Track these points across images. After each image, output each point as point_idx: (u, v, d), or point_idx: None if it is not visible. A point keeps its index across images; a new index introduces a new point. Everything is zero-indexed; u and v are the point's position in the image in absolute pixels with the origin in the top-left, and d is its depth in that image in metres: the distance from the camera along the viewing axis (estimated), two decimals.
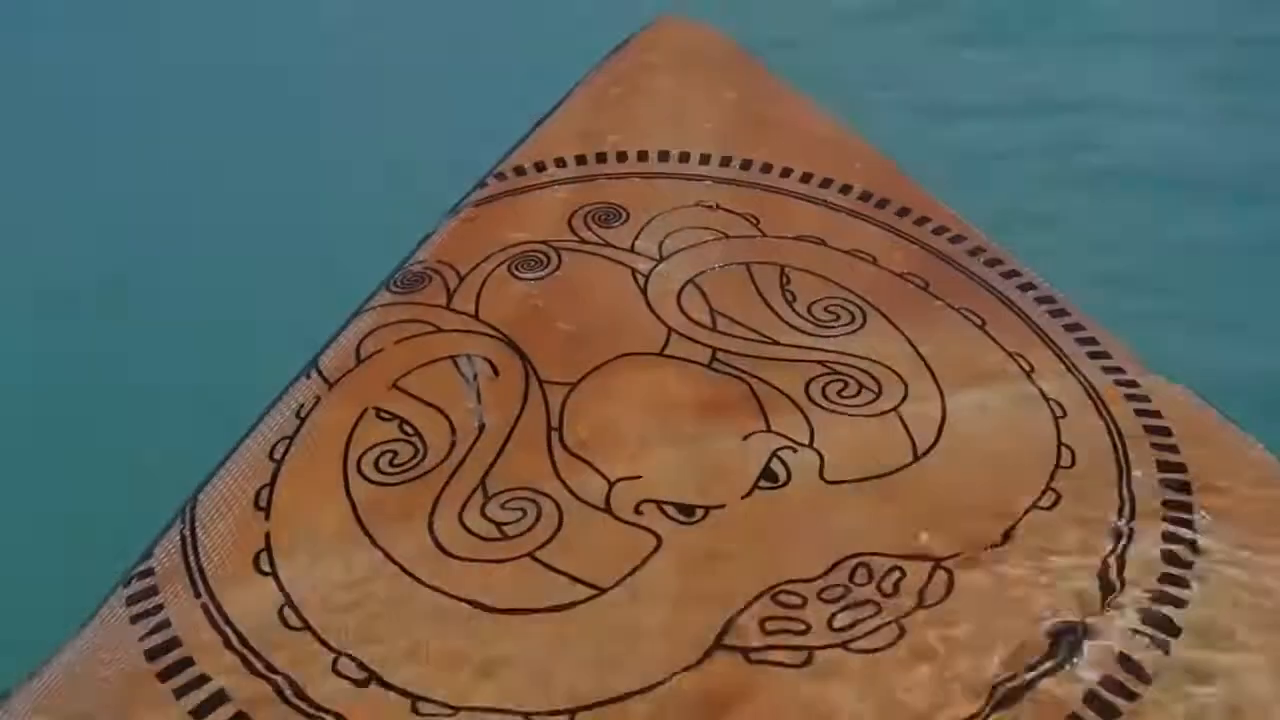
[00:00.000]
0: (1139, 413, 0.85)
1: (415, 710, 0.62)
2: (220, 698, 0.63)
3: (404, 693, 0.63)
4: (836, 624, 0.67)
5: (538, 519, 0.74)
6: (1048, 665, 0.65)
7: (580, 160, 1.07)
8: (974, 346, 0.91)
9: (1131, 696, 0.63)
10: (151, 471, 0.87)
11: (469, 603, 0.69)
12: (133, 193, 2.17)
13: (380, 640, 0.66)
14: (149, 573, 0.71)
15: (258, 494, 0.76)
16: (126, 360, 1.67)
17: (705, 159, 1.07)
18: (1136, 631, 0.67)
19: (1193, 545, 0.72)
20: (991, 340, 0.91)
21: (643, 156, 1.07)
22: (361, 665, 0.65)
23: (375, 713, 0.62)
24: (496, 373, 0.86)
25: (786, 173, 1.06)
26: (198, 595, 0.69)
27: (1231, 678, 0.64)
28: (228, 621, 0.67)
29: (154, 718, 0.62)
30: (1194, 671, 0.64)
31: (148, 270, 1.93)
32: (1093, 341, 0.92)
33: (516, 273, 0.96)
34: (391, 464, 0.79)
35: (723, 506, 0.75)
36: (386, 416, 0.82)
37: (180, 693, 0.63)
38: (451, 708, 0.62)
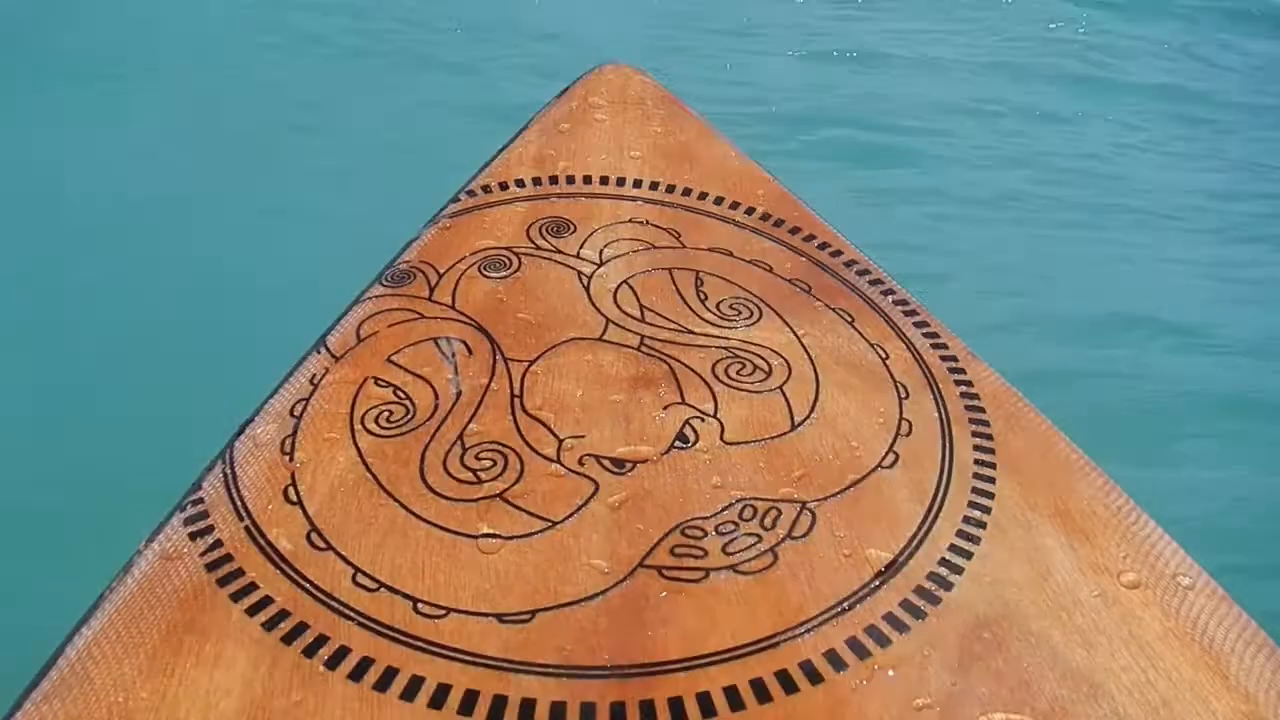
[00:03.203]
0: (963, 395, 0.99)
1: (416, 610, 0.74)
2: (268, 600, 0.73)
3: (407, 597, 0.74)
4: (728, 550, 0.81)
5: (505, 467, 0.85)
6: (875, 584, 0.79)
7: (536, 181, 1.16)
8: (844, 338, 1.03)
9: (921, 614, 0.77)
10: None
11: (454, 532, 0.80)
12: None
13: (387, 559, 0.77)
14: (200, 501, 0.80)
15: (283, 442, 0.86)
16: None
17: (637, 183, 1.18)
18: (938, 564, 0.81)
19: (987, 506, 0.86)
20: (858, 333, 1.04)
21: (587, 180, 1.17)
22: (373, 578, 0.76)
23: (386, 611, 0.73)
24: (470, 351, 0.97)
25: (703, 196, 1.17)
26: (241, 519, 0.79)
27: (997, 591, 0.79)
28: (268, 541, 0.77)
29: (217, 615, 0.72)
30: (977, 590, 0.79)
31: None
32: (935, 335, 1.05)
33: (485, 272, 1.06)
34: (389, 420, 0.89)
35: (646, 461, 0.88)
36: (383, 384, 0.92)
37: (236, 596, 0.73)
38: (444, 608, 0.74)
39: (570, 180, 1.17)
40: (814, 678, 0.71)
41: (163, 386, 1.64)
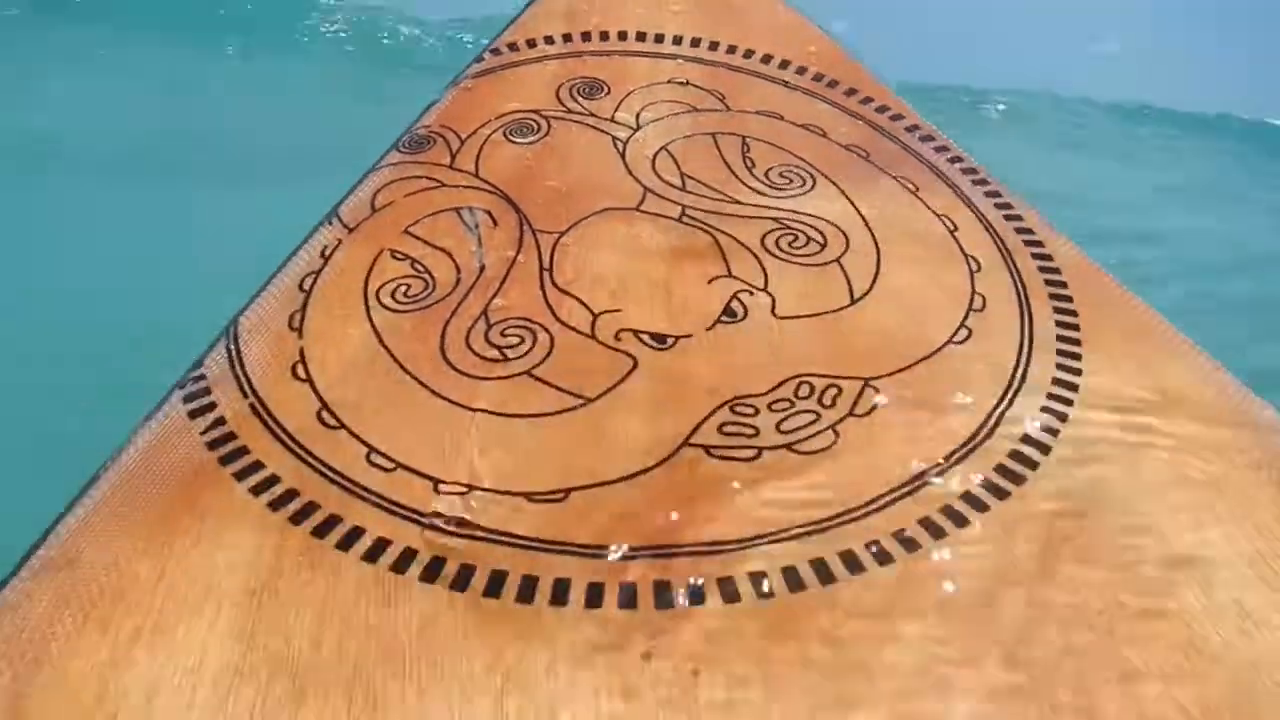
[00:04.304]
0: (1042, 269, 0.89)
1: (436, 490, 0.67)
2: (274, 479, 0.67)
3: (427, 477, 0.68)
4: (783, 429, 0.73)
5: (533, 344, 0.78)
6: (950, 462, 0.71)
7: (566, 38, 1.07)
8: (907, 208, 0.94)
9: (1003, 494, 0.69)
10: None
11: (478, 410, 0.73)
12: None
13: (404, 438, 0.70)
14: (202, 378, 0.74)
15: (290, 317, 0.79)
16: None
17: (677, 40, 1.08)
18: (1020, 441, 0.73)
19: (1073, 383, 0.77)
20: (922, 203, 0.95)
21: (622, 36, 1.07)
22: (389, 457, 0.69)
23: (405, 492, 0.67)
24: (495, 222, 0.89)
25: (749, 54, 1.07)
26: (246, 396, 0.72)
27: (1089, 470, 0.70)
28: (274, 419, 0.71)
29: (218, 494, 0.65)
30: (1065, 468, 0.71)
31: None
32: (1008, 207, 0.96)
33: (511, 137, 0.97)
34: (406, 295, 0.81)
35: (690, 336, 0.80)
36: (400, 257, 0.85)
37: (240, 475, 0.67)
38: (466, 486, 0.67)
39: (604, 37, 1.07)
40: (883, 558, 0.64)
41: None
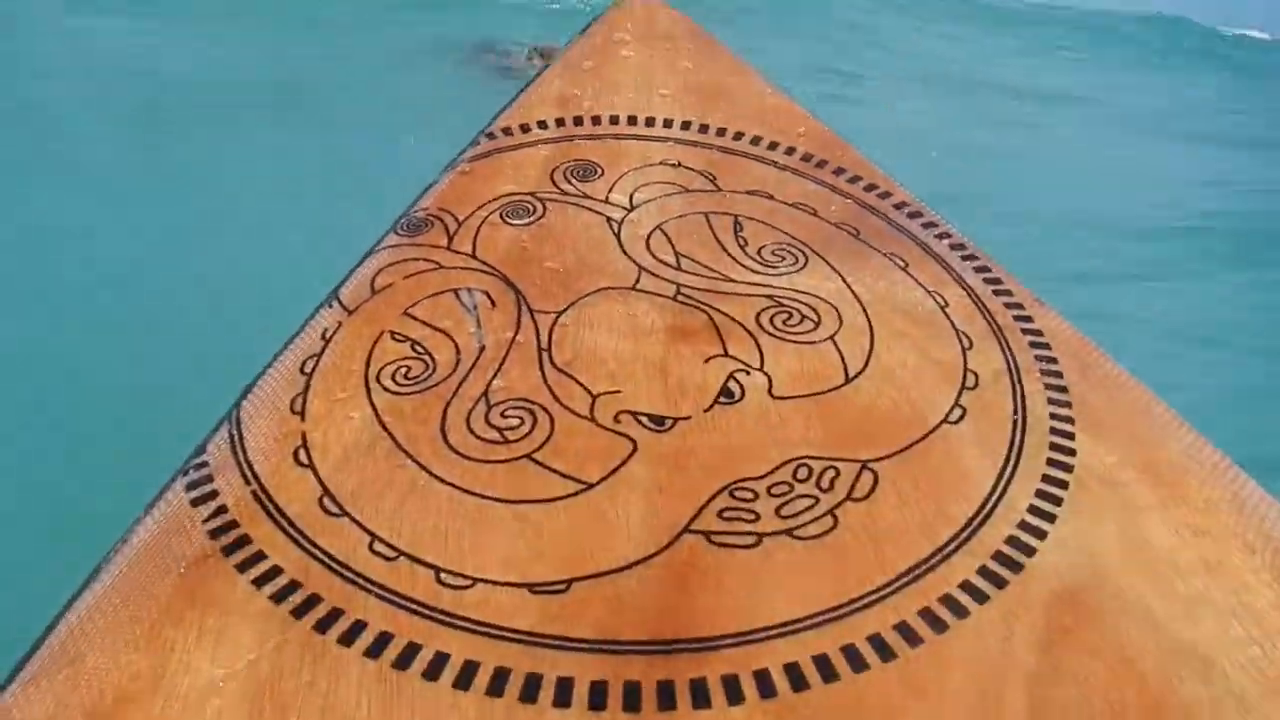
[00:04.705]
0: (1032, 344, 0.91)
1: (439, 580, 0.67)
2: (277, 570, 0.66)
3: (429, 566, 0.68)
4: (783, 513, 0.73)
5: (533, 426, 0.78)
6: (948, 549, 0.71)
7: (560, 123, 1.09)
8: (898, 285, 0.96)
9: (1001, 582, 0.69)
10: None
11: (479, 495, 0.73)
12: None
13: (407, 524, 0.70)
14: (204, 465, 0.74)
15: (292, 401, 0.79)
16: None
17: (668, 123, 1.10)
18: (1017, 527, 0.73)
19: (1068, 464, 0.78)
20: (913, 279, 0.97)
21: (614, 120, 1.10)
22: (391, 545, 0.69)
23: (407, 582, 0.66)
24: (493, 303, 0.90)
25: (739, 136, 1.09)
26: (248, 483, 0.72)
27: (1085, 557, 0.71)
28: (276, 507, 0.71)
29: (221, 587, 0.65)
30: (1062, 552, 0.71)
31: None
32: (998, 282, 0.97)
33: (507, 219, 0.98)
34: (406, 377, 0.82)
35: (688, 418, 0.80)
36: (400, 338, 0.85)
37: (242, 566, 0.66)
38: (469, 578, 0.67)
39: (596, 121, 1.09)
40: (885, 653, 0.64)
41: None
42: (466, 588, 0.67)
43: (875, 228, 1.02)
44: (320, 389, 0.81)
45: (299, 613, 0.64)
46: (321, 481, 0.73)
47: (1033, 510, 0.74)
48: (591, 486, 0.74)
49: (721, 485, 0.75)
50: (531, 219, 0.99)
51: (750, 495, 0.74)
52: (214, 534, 0.69)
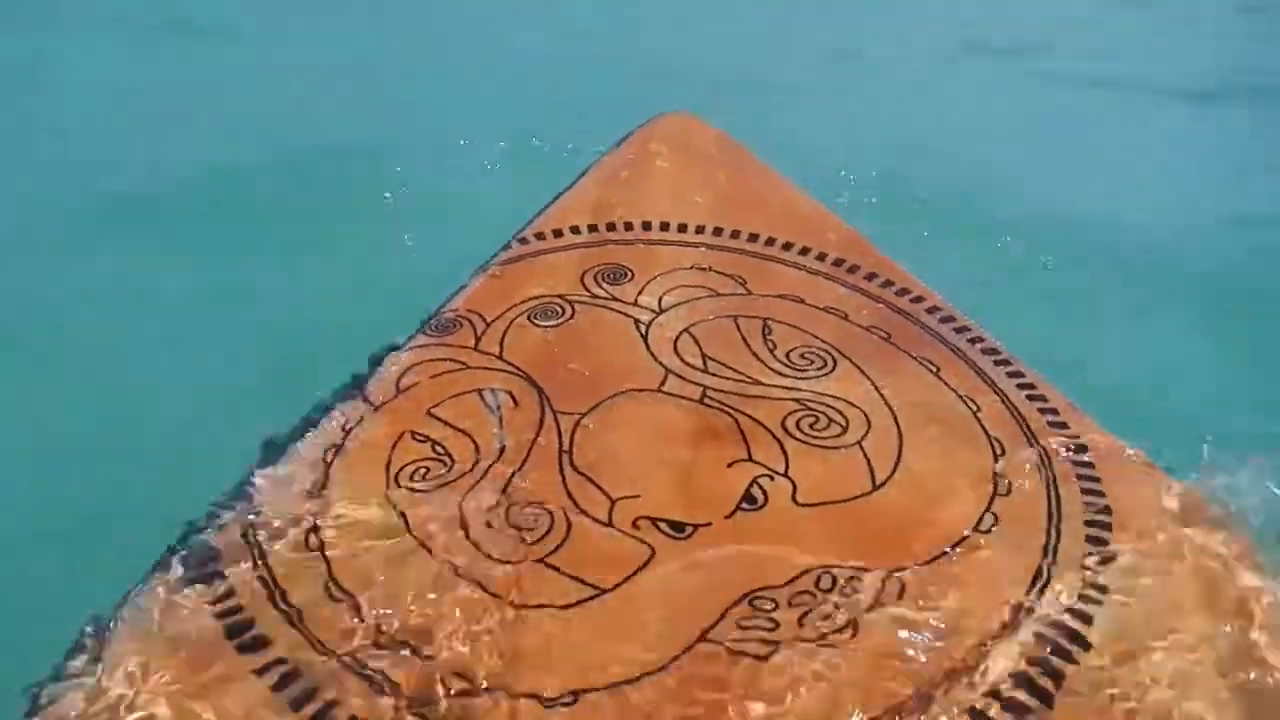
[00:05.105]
0: (1067, 451, 0.88)
1: (444, 687, 0.65)
2: (280, 661, 0.65)
3: (440, 666, 0.65)
4: (804, 623, 0.70)
5: (550, 527, 0.77)
6: (980, 664, 0.67)
7: (593, 229, 1.10)
8: (929, 390, 0.94)
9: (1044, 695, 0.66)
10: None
11: (495, 596, 0.71)
12: None
13: (415, 621, 0.69)
14: (213, 548, 0.73)
15: (310, 487, 0.79)
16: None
17: (700, 229, 1.11)
18: (1055, 631, 0.69)
19: (1101, 587, 0.74)
20: (944, 384, 0.95)
21: (646, 226, 1.11)
22: (397, 640, 0.67)
23: (418, 682, 0.64)
24: (516, 403, 0.89)
25: (770, 242, 1.10)
26: (255, 567, 0.72)
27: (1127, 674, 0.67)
28: (284, 596, 0.70)
29: (224, 671, 0.64)
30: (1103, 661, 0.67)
31: None
32: (1031, 387, 0.95)
33: (535, 321, 0.99)
34: (426, 477, 0.81)
35: (709, 525, 0.78)
36: (421, 438, 0.85)
37: (242, 649, 0.66)
38: (476, 687, 0.65)
39: (629, 227, 1.11)
40: None
41: None
42: (475, 696, 0.64)
43: (906, 332, 1.01)
44: (339, 479, 0.80)
45: (298, 705, 0.63)
46: (330, 569, 0.72)
47: (1071, 618, 0.70)
48: (606, 592, 0.72)
49: (741, 594, 0.72)
50: (559, 320, 0.99)
51: (770, 605, 0.72)
52: (219, 616, 0.68)
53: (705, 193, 1.17)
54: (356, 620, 0.68)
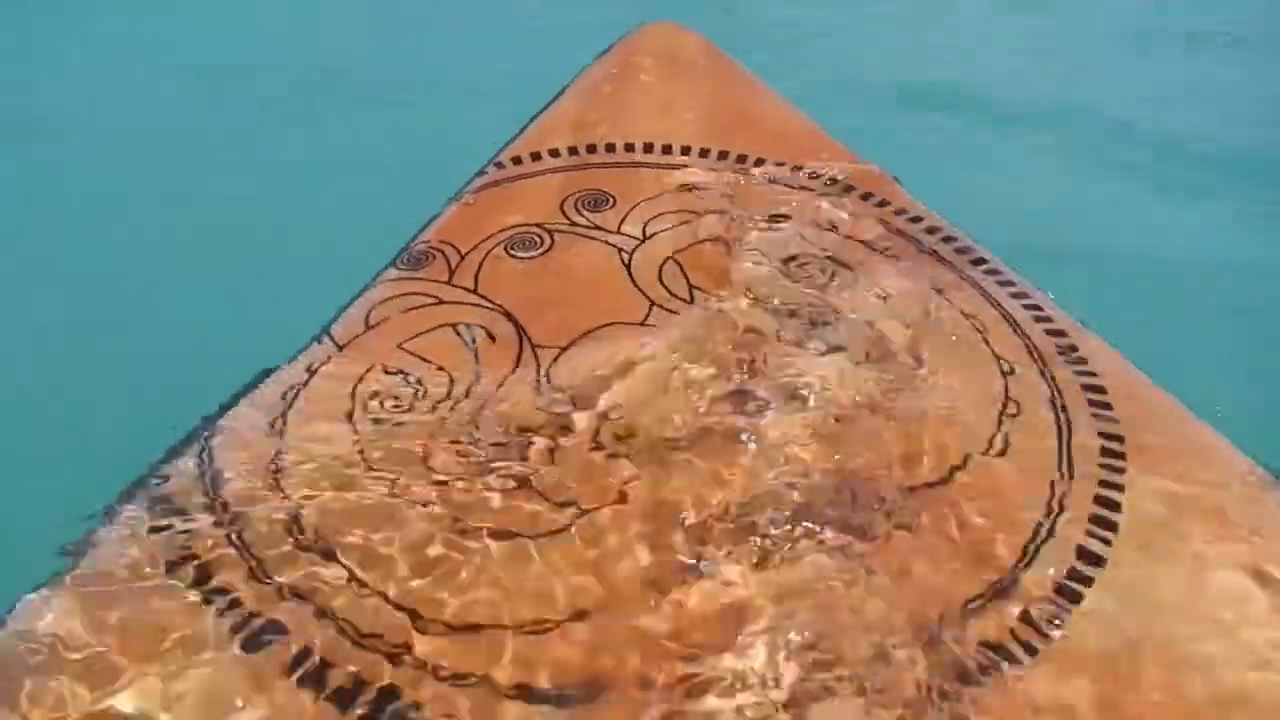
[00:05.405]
0: (1077, 374, 0.83)
1: (415, 626, 0.60)
2: (237, 602, 0.61)
3: (406, 610, 0.61)
4: (813, 532, 0.66)
5: (527, 450, 0.72)
6: (992, 597, 0.63)
7: (573, 151, 1.04)
8: (933, 310, 0.88)
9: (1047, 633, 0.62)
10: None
11: (462, 530, 0.66)
12: None
13: (383, 561, 0.64)
14: (168, 486, 0.69)
15: (271, 423, 0.74)
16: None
17: (685, 150, 1.05)
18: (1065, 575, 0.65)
19: (1117, 501, 0.71)
20: (949, 304, 0.89)
21: (629, 147, 1.05)
22: (366, 585, 0.63)
23: (383, 624, 0.60)
24: (493, 339, 0.84)
25: (760, 161, 1.04)
26: (211, 511, 0.67)
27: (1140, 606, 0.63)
28: (242, 538, 0.65)
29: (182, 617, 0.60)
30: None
31: None
32: (1037, 308, 0.90)
33: (512, 252, 0.93)
34: (395, 406, 0.76)
35: (694, 444, 0.73)
36: (392, 371, 0.80)
37: (208, 599, 0.61)
38: (447, 625, 0.60)
39: (610, 149, 1.05)
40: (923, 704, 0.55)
41: None
42: (442, 636, 0.59)
43: (907, 253, 0.95)
44: (301, 415, 0.75)
45: (251, 645, 0.58)
46: (295, 510, 0.67)
47: (1080, 558, 0.66)
48: (587, 513, 0.67)
49: (728, 512, 0.67)
50: (538, 252, 0.93)
51: (763, 524, 0.67)
52: (170, 565, 0.63)
53: (691, 109, 1.11)
54: (327, 567, 0.63)
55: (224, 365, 0.82)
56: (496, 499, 0.68)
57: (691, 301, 0.89)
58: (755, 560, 0.64)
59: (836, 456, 0.72)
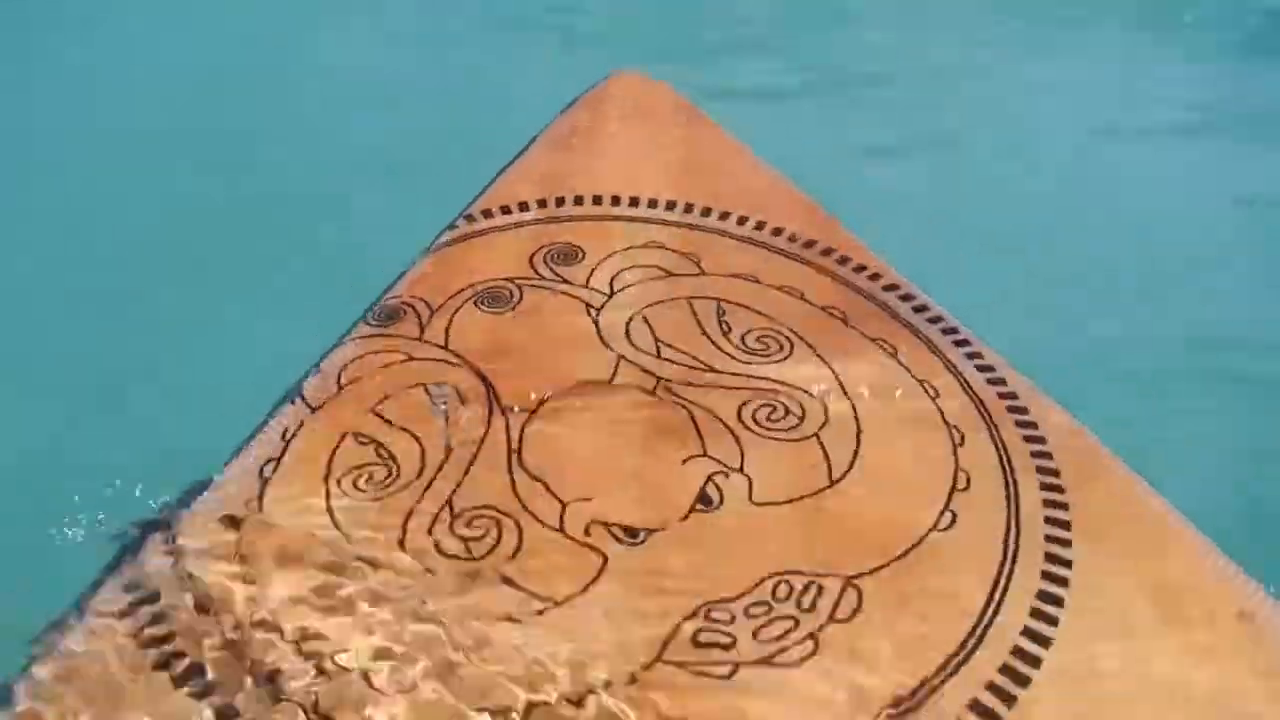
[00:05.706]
0: (1027, 439, 0.86)
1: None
2: (211, 688, 0.63)
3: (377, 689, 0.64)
4: (760, 638, 0.69)
5: (499, 538, 0.74)
6: (937, 680, 0.66)
7: (542, 204, 1.06)
8: (887, 374, 0.91)
9: (1010, 699, 0.65)
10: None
11: (434, 621, 0.69)
12: None
13: (357, 645, 0.67)
14: (139, 573, 0.70)
15: (247, 504, 0.76)
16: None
17: (653, 203, 1.07)
18: (1010, 653, 0.68)
19: (1064, 577, 0.74)
20: (903, 368, 0.92)
21: (598, 200, 1.06)
22: (338, 664, 0.65)
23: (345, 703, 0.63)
24: (463, 400, 0.86)
25: (725, 216, 1.06)
26: (186, 591, 0.69)
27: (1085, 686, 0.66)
28: (215, 623, 0.67)
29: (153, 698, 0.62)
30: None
31: None
32: (991, 369, 0.93)
33: (482, 307, 0.95)
34: (369, 482, 0.78)
35: (663, 529, 0.76)
36: (364, 440, 0.82)
37: (179, 681, 0.64)
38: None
39: (579, 201, 1.06)
40: None
41: None
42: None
43: (864, 312, 0.98)
44: (277, 495, 0.77)
45: None
46: (265, 593, 0.69)
47: (1027, 633, 0.69)
48: (558, 605, 0.70)
49: (696, 607, 0.70)
50: (507, 307, 0.95)
51: (727, 618, 0.70)
52: (146, 644, 0.65)
53: (659, 162, 1.13)
54: (288, 647, 0.66)
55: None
56: (472, 586, 0.71)
57: (659, 356, 0.91)
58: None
59: (791, 544, 0.75)
